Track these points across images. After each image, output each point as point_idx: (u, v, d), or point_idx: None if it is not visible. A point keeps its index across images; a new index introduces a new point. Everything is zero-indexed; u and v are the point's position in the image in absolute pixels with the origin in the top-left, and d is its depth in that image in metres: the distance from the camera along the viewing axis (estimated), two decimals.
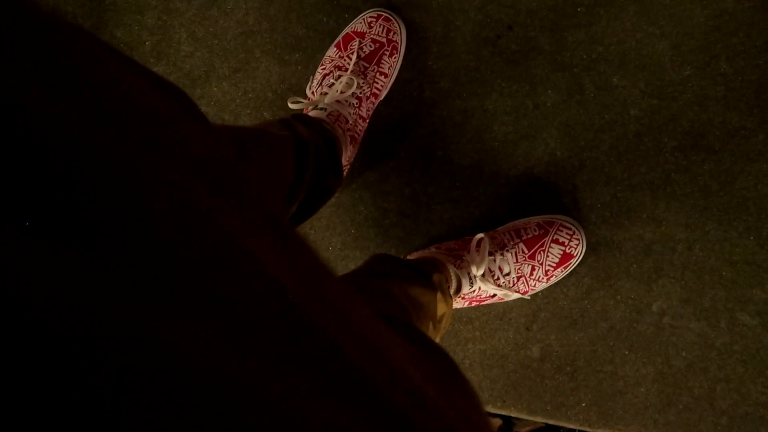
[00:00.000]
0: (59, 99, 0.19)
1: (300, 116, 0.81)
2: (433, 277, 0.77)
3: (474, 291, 0.83)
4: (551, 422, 0.91)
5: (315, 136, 0.76)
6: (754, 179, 0.87)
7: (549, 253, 0.85)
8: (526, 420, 0.92)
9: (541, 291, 0.88)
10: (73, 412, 0.14)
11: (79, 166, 0.18)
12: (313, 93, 0.88)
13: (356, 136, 0.87)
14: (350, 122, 0.84)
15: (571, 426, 0.91)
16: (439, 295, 0.76)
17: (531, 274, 0.85)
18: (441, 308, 0.76)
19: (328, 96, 0.84)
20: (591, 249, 0.88)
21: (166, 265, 0.18)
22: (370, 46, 0.89)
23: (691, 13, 0.88)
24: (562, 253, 0.86)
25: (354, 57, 0.87)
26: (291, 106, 0.83)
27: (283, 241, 0.26)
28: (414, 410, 0.24)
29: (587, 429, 0.90)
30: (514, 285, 0.84)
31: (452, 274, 0.83)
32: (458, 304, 0.85)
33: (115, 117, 0.22)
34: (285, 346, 0.20)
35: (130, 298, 0.16)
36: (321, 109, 0.83)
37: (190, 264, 0.19)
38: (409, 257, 0.89)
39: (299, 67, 0.94)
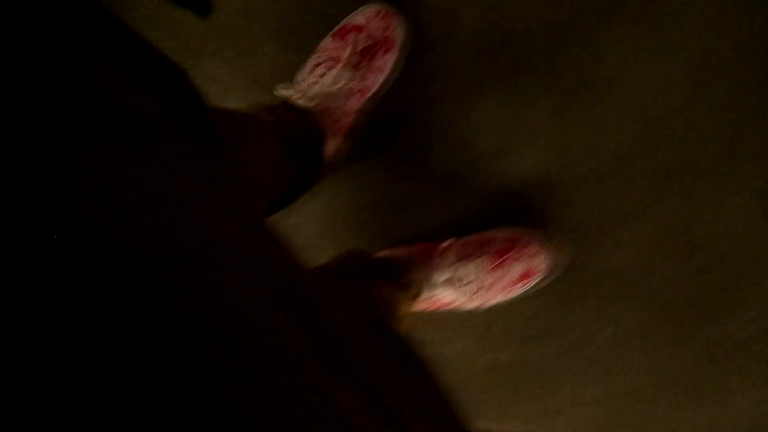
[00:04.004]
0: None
1: (288, 105, 0.82)
2: (401, 278, 0.80)
3: (434, 296, 0.86)
4: None
5: (302, 126, 0.77)
6: (720, 220, 0.90)
7: (511, 268, 0.88)
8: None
9: (499, 303, 0.91)
10: None
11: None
12: (303, 81, 0.88)
13: (341, 129, 0.87)
14: (337, 115, 0.85)
15: None
16: (404, 296, 0.78)
17: (492, 286, 0.88)
18: (404, 308, 0.79)
19: (317, 86, 0.85)
20: (553, 268, 0.91)
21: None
22: (367, 40, 0.89)
23: (685, 49, 0.89)
24: (524, 269, 0.88)
25: (349, 50, 0.87)
26: (279, 92, 0.83)
27: (264, 251, 0.28)
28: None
29: None
30: (473, 295, 0.87)
31: (417, 276, 0.85)
32: (417, 306, 0.88)
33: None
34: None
35: None
36: (309, 98, 0.84)
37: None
38: (378, 255, 0.91)
39: (294, 52, 0.94)
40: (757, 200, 0.89)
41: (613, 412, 0.92)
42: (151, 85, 0.34)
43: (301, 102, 0.84)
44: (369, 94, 0.90)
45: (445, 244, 0.86)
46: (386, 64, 0.90)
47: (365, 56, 0.88)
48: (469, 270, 0.86)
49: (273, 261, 0.29)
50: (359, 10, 0.90)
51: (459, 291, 0.86)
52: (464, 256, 0.87)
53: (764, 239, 0.89)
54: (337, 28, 0.91)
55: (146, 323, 0.19)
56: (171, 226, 0.22)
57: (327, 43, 0.90)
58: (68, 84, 0.23)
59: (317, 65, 0.88)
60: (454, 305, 0.88)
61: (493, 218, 0.92)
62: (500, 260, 0.87)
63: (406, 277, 0.82)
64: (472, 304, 0.87)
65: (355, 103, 0.88)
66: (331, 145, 0.86)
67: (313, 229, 0.95)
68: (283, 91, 0.83)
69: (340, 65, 0.86)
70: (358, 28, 0.89)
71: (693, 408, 0.91)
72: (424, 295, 0.84)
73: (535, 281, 0.89)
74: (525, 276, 0.88)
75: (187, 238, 0.22)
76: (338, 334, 0.29)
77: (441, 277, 0.84)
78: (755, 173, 0.89)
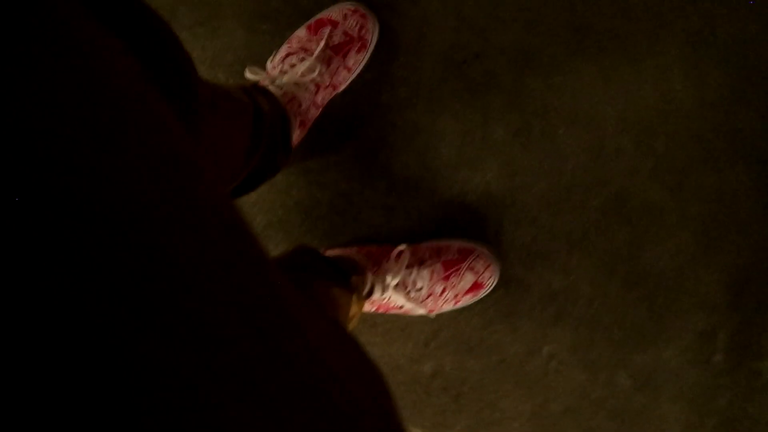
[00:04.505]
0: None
1: (260, 88, 0.80)
2: (352, 279, 0.78)
3: (384, 299, 0.85)
4: None
5: (272, 111, 0.75)
6: (659, 255, 0.94)
7: (462, 279, 0.88)
8: None
9: (447, 312, 0.91)
10: None
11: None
12: (273, 68, 0.86)
13: (306, 121, 0.86)
14: (303, 107, 0.84)
15: None
16: (353, 297, 0.77)
17: (441, 294, 0.88)
18: (353, 309, 0.77)
19: (287, 75, 0.83)
20: (502, 283, 0.92)
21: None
22: (341, 37, 0.88)
23: (643, 89, 0.94)
24: (474, 281, 0.89)
25: (322, 43, 0.86)
26: (249, 76, 0.81)
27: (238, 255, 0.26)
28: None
29: None
30: (422, 301, 0.87)
31: (368, 278, 0.84)
32: (366, 307, 0.86)
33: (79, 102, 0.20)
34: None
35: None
36: (277, 86, 0.82)
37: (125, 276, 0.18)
38: (329, 252, 0.90)
39: (265, 38, 0.92)
40: (694, 238, 0.94)
41: (545, 429, 0.93)
42: (138, 41, 0.32)
43: (269, 89, 0.82)
44: (338, 90, 0.90)
45: (398, 249, 0.85)
46: (358, 62, 0.90)
47: (338, 52, 0.88)
48: (422, 276, 0.86)
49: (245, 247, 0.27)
50: (336, 5, 0.90)
51: (410, 296, 0.85)
52: (417, 262, 0.87)
53: (699, 274, 0.94)
54: (312, 20, 0.90)
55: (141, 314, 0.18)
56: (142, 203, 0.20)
57: (300, 34, 0.89)
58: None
59: (289, 54, 0.86)
60: (403, 309, 0.87)
61: (448, 228, 0.93)
62: (453, 269, 0.88)
63: (356, 278, 0.80)
64: (421, 310, 0.87)
65: (323, 98, 0.87)
66: (296, 135, 0.85)
67: (265, 219, 0.92)
68: (252, 75, 0.82)
69: (312, 57, 0.85)
70: (334, 23, 0.89)
71: (622, 431, 0.93)
72: (375, 297, 0.83)
73: (485, 293, 0.90)
74: (475, 287, 0.89)
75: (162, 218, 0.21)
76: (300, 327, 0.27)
77: (393, 280, 0.83)
78: (697, 214, 0.94)
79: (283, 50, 0.88)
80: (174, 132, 0.26)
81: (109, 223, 0.18)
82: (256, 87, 0.77)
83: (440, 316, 0.91)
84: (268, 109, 0.72)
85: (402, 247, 0.86)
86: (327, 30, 0.88)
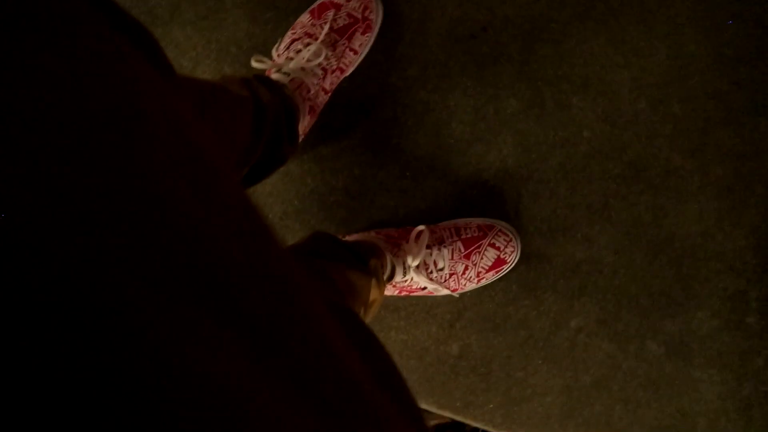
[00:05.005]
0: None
1: (262, 78, 0.79)
2: (370, 263, 0.77)
3: (406, 281, 0.84)
4: (458, 419, 0.93)
5: (275, 101, 0.74)
6: (684, 218, 0.92)
7: (484, 256, 0.87)
8: (434, 413, 0.94)
9: (470, 291, 0.90)
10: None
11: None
12: (278, 55, 0.86)
13: (315, 107, 0.85)
14: (312, 92, 0.83)
15: (476, 425, 0.94)
16: (373, 281, 0.76)
17: (463, 273, 0.87)
18: (373, 294, 0.76)
19: (293, 62, 0.82)
20: (524, 258, 0.91)
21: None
22: (345, 19, 0.87)
23: (656, 51, 0.92)
24: (496, 257, 0.88)
25: (326, 27, 0.85)
26: (254, 64, 0.80)
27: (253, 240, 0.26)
28: (351, 407, 0.24)
29: (491, 429, 0.93)
30: (445, 281, 0.86)
31: (388, 261, 0.83)
32: (388, 291, 0.86)
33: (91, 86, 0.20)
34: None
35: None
36: (284, 73, 0.81)
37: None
38: (348, 238, 0.89)
39: (269, 27, 0.92)
40: (717, 200, 0.91)
41: (577, 403, 0.92)
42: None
43: (275, 76, 0.81)
44: (346, 74, 0.89)
45: (417, 229, 0.84)
46: (364, 44, 0.89)
47: (343, 35, 0.87)
48: (442, 255, 0.85)
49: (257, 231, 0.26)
50: None
51: (431, 276, 0.84)
52: (437, 242, 0.86)
53: (725, 236, 0.92)
54: (315, 4, 0.89)
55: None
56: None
57: (304, 19, 0.88)
58: None
59: (294, 41, 0.85)
60: (427, 291, 0.86)
61: (466, 206, 0.92)
62: (473, 247, 0.87)
63: (375, 261, 0.79)
64: (444, 291, 0.86)
65: (331, 82, 0.86)
66: (306, 122, 0.84)
67: (281, 209, 0.92)
68: (258, 64, 0.81)
69: (317, 42, 0.84)
70: (337, 6, 0.88)
71: (656, 400, 0.92)
72: (397, 279, 0.82)
73: (507, 269, 0.89)
74: (497, 264, 0.88)
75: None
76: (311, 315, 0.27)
77: (414, 261, 0.82)
78: (720, 174, 0.92)
79: (287, 37, 0.87)
80: (192, 125, 0.26)
81: (141, 218, 0.18)
82: (258, 78, 0.76)
83: (463, 295, 0.90)
84: (269, 101, 0.71)
85: (421, 227, 0.84)
86: (330, 13, 0.87)
